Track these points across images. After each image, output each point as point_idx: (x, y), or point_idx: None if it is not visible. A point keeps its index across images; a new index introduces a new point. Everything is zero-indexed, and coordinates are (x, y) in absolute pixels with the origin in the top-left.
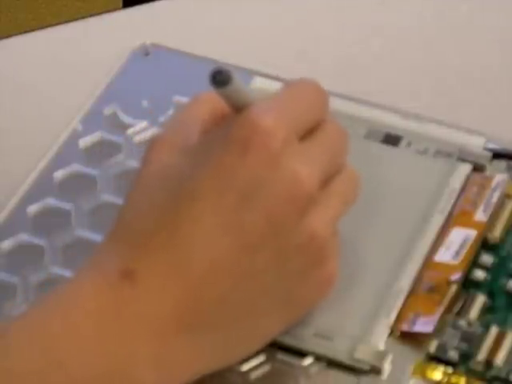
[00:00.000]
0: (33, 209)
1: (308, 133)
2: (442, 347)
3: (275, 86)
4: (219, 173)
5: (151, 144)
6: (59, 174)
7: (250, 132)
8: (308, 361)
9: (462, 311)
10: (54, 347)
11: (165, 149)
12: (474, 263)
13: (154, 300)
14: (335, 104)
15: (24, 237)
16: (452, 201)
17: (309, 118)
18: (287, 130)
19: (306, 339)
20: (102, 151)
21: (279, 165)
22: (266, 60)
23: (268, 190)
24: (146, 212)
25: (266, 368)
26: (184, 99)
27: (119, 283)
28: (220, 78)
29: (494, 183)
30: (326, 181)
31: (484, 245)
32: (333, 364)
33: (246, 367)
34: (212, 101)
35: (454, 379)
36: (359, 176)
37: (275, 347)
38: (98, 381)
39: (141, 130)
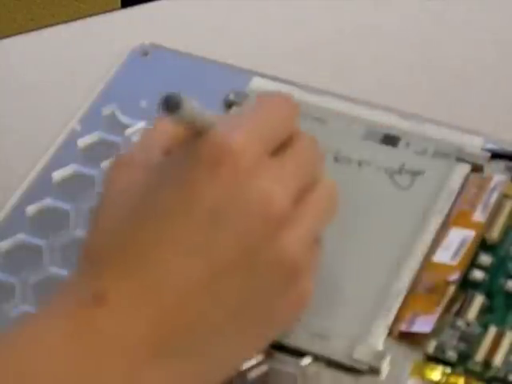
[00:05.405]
0: (31, 209)
1: (279, 148)
2: (440, 347)
3: (274, 86)
4: (187, 192)
5: (112, 164)
6: (58, 174)
7: (219, 151)
8: (306, 361)
9: (461, 311)
10: (27, 371)
11: (126, 168)
12: (473, 263)
13: (125, 324)
14: (334, 104)
15: (22, 237)
16: (450, 201)
17: (279, 133)
18: (257, 147)
19: (305, 339)
20: (100, 151)
21: (250, 184)
22: (266, 60)
23: (238, 210)
24: (113, 233)
25: (264, 368)
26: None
27: (91, 305)
28: (170, 104)
29: (492, 183)
30: (301, 196)
31: (482, 245)
32: (331, 364)
33: (244, 367)
34: (172, 125)
35: (452, 379)
36: (336, 187)
37: (273, 347)
38: None
39: (139, 131)
